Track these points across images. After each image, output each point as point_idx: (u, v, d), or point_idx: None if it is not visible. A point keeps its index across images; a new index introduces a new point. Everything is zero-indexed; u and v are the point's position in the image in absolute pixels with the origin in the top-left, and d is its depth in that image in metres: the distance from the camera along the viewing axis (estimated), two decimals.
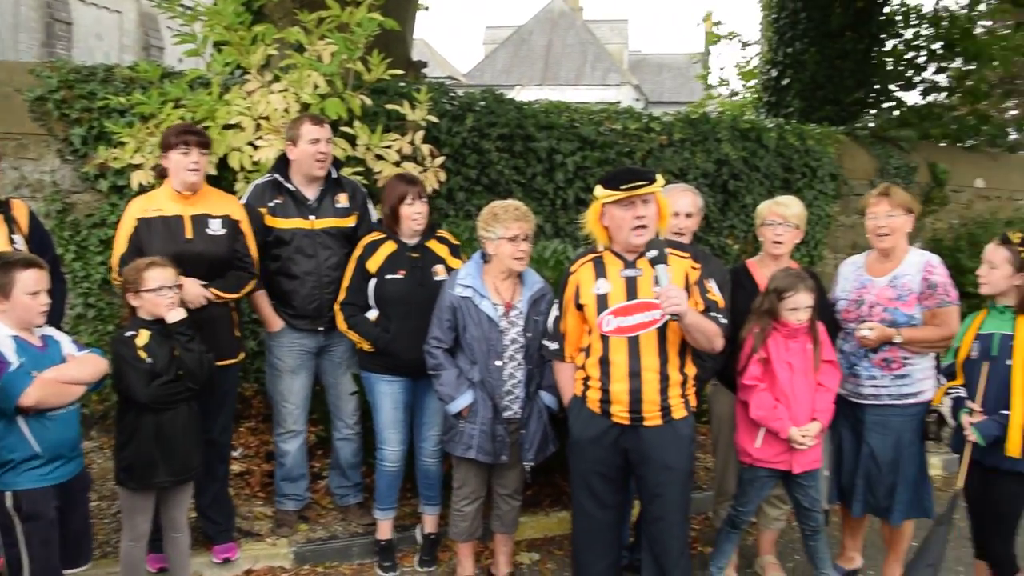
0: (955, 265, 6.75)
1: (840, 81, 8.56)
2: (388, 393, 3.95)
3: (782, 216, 3.86)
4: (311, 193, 4.07)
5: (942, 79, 9.41)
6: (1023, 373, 3.27)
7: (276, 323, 4.10)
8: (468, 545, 3.96)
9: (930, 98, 9.45)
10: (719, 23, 11.36)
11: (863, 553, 4.38)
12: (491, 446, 3.68)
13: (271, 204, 4.02)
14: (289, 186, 4.04)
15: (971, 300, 6.75)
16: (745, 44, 10.42)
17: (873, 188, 4.00)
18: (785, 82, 8.76)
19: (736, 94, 11.27)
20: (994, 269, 3.36)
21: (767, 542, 4.29)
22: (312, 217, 4.04)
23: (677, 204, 3.70)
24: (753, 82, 10.02)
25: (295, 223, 4.02)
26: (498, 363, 3.66)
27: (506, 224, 3.58)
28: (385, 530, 4.18)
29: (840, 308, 3.94)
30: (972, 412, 3.37)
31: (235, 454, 4.89)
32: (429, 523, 4.20)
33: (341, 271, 4.02)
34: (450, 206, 5.21)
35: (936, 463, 5.68)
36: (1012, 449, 3.27)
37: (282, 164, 4.09)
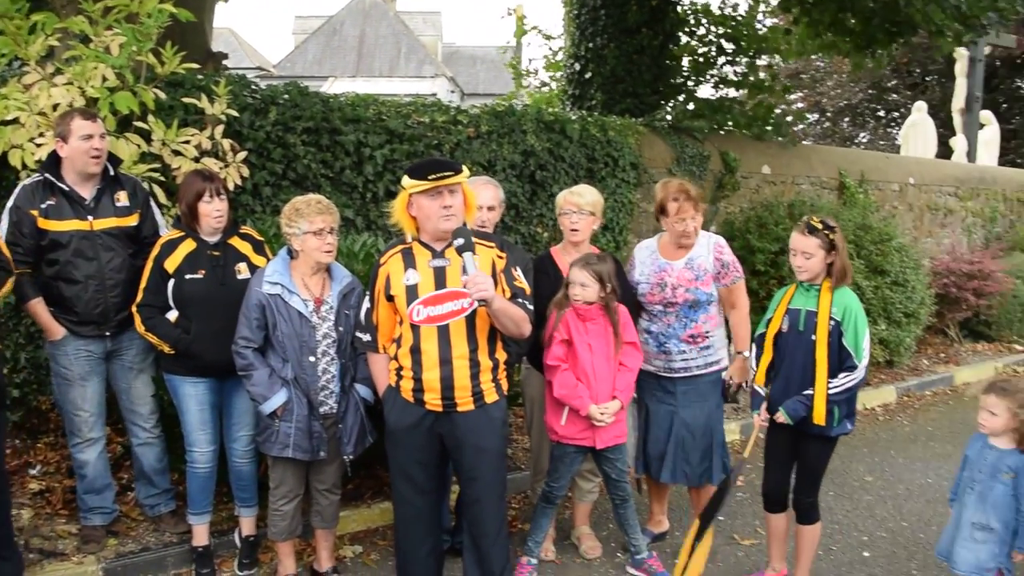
0: (746, 245, 7.33)
1: (638, 75, 8.98)
2: (193, 395, 3.84)
3: (576, 205, 4.05)
4: (87, 192, 3.85)
5: (731, 73, 10.09)
6: (824, 347, 3.58)
7: (57, 331, 3.86)
8: (289, 544, 3.91)
9: (721, 91, 10.09)
10: (525, 17, 11.64)
11: (668, 516, 4.72)
12: (308, 443, 3.65)
13: (44, 206, 3.78)
14: (62, 186, 3.80)
15: (760, 278, 7.36)
16: (549, 37, 10.76)
17: (671, 176, 4.26)
18: (587, 76, 9.10)
19: (545, 86, 11.59)
20: (811, 258, 3.62)
21: (582, 514, 4.52)
22: (90, 218, 3.83)
23: (479, 197, 3.81)
24: (559, 75, 10.34)
25: (72, 224, 3.80)
26: (311, 359, 3.63)
27: (310, 218, 3.56)
28: (201, 536, 4.05)
29: (643, 292, 4.19)
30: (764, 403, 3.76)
31: (34, 472, 4.60)
32: (247, 525, 4.11)
33: (125, 273, 3.86)
34: (256, 202, 5.08)
35: (734, 428, 6.16)
36: (817, 418, 3.61)
37: (52, 163, 3.85)
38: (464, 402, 3.26)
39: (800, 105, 27.95)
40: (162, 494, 4.28)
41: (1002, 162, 17.89)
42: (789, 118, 9.57)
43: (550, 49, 10.96)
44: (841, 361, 3.60)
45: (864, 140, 27.97)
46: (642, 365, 4.22)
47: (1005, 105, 26.16)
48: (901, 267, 7.79)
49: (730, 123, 8.98)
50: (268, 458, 3.81)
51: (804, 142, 25.53)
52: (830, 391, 3.57)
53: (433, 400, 3.26)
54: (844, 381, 3.59)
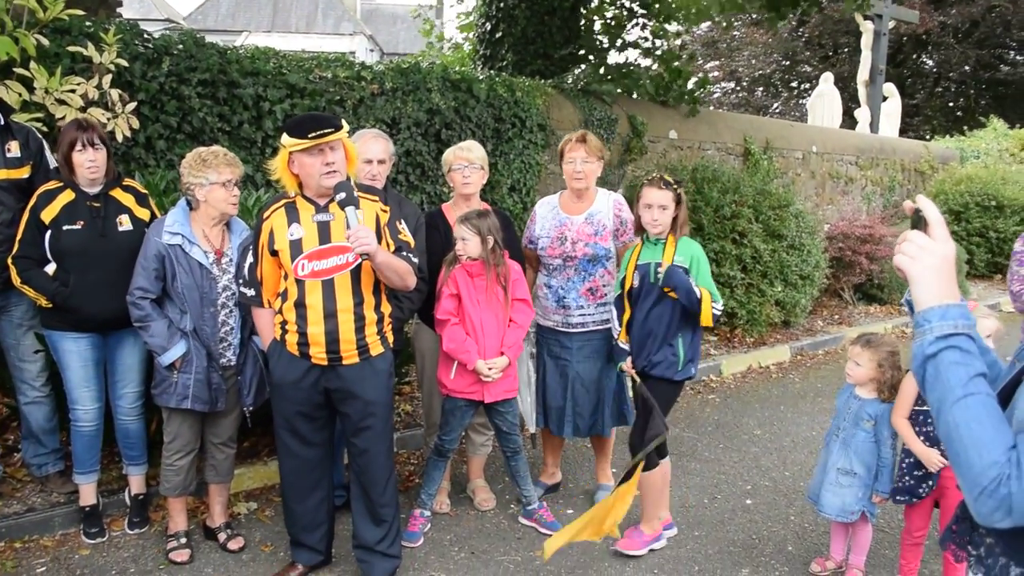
0: None
1: (549, 36, 8.99)
2: (75, 351, 3.75)
3: (467, 159, 4.09)
4: None
5: (640, 39, 10.17)
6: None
7: None
8: (181, 500, 3.89)
9: (630, 55, 10.18)
10: None
11: (561, 468, 4.85)
12: (207, 394, 3.65)
13: None
14: None
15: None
16: None
17: (575, 134, 4.32)
18: (498, 35, 9.06)
19: (458, 47, 11.51)
20: (666, 210, 3.75)
21: (475, 467, 4.61)
22: None
23: (369, 151, 3.81)
24: (471, 35, 10.26)
25: None
26: (212, 311, 3.63)
27: (218, 169, 3.55)
28: (88, 495, 3.99)
29: (544, 246, 4.27)
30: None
31: None
32: (136, 484, 4.07)
33: (15, 228, 3.72)
34: (149, 155, 4.95)
35: None
36: (705, 320, 3.73)
37: None
38: (349, 355, 3.29)
39: (716, 74, 28.44)
40: (50, 454, 4.19)
41: (903, 134, 18.57)
42: (691, 84, 9.65)
43: (463, 10, 10.85)
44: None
45: (777, 110, 28.64)
46: (541, 320, 4.32)
47: (909, 80, 27.10)
48: (798, 232, 8.06)
49: (639, 88, 9.07)
50: (163, 412, 3.78)
51: (719, 110, 26.02)
52: (714, 304, 3.71)
53: (318, 354, 3.27)
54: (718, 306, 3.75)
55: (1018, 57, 25.93)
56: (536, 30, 8.93)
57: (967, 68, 26.10)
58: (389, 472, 3.54)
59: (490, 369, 3.86)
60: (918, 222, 1.46)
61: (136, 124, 4.55)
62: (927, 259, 1.40)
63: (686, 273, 3.72)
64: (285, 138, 3.17)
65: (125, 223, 3.73)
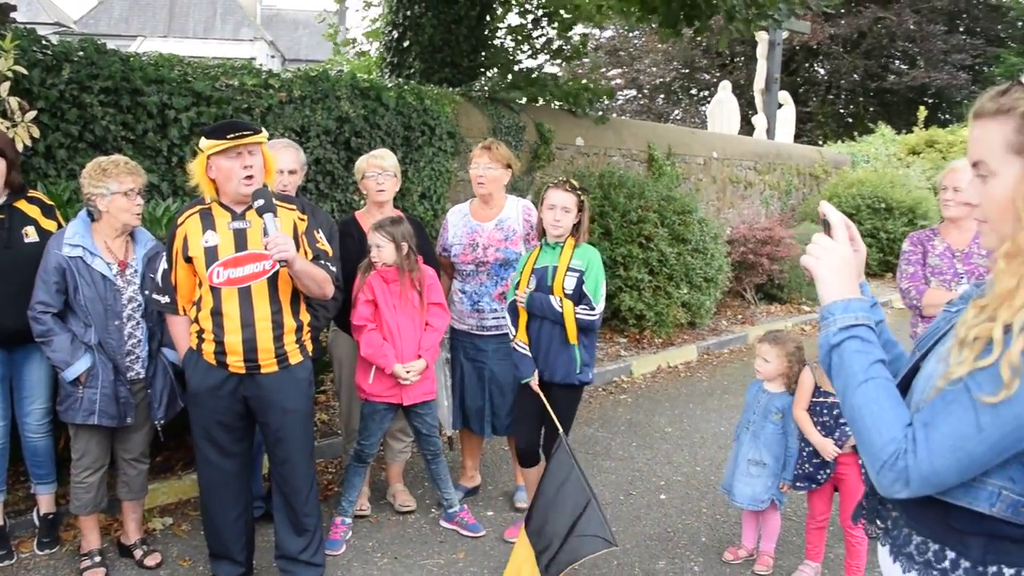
0: None
1: (456, 45, 9.04)
2: None
3: (381, 167, 4.13)
4: None
5: (548, 45, 10.34)
6: (560, 287, 3.78)
7: None
8: (93, 518, 3.79)
9: (537, 62, 10.33)
10: None
11: (480, 470, 4.91)
12: (115, 409, 3.56)
13: None
14: None
15: None
16: (368, 4, 10.62)
17: (482, 142, 4.41)
18: (406, 44, 9.05)
19: (364, 54, 11.46)
20: (568, 213, 3.83)
21: (395, 473, 4.63)
22: None
23: (280, 161, 3.81)
24: (378, 43, 10.24)
25: None
26: (116, 323, 3.54)
27: (119, 178, 3.47)
28: None
29: (456, 253, 4.35)
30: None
31: None
32: (45, 503, 3.95)
33: None
34: (50, 165, 4.79)
35: None
36: (571, 338, 3.80)
37: None
38: (268, 364, 3.28)
39: (618, 81, 29.03)
40: None
41: (798, 140, 19.34)
42: (595, 92, 9.86)
43: (369, 17, 10.83)
44: (581, 303, 3.82)
45: (678, 116, 29.41)
46: (456, 324, 4.38)
47: (803, 88, 28.24)
48: (701, 236, 8.33)
49: (546, 95, 9.22)
50: (70, 428, 3.67)
51: (622, 117, 26.50)
52: (577, 315, 3.76)
53: (236, 362, 3.25)
54: (585, 311, 3.79)
55: (902, 67, 27.30)
56: (443, 38, 8.96)
57: (856, 77, 27.36)
58: (311, 481, 3.54)
59: (408, 372, 3.90)
60: (825, 226, 1.58)
61: (36, 133, 4.41)
62: (830, 259, 1.53)
63: (580, 276, 3.79)
64: (203, 141, 3.16)
65: (31, 235, 3.62)
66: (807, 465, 3.76)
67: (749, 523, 4.09)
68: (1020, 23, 27.65)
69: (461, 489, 4.69)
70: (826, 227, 1.58)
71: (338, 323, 4.26)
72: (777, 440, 3.81)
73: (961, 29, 27.69)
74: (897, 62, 27.64)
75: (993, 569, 1.40)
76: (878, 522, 1.62)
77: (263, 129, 3.23)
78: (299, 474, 3.48)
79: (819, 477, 3.73)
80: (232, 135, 3.11)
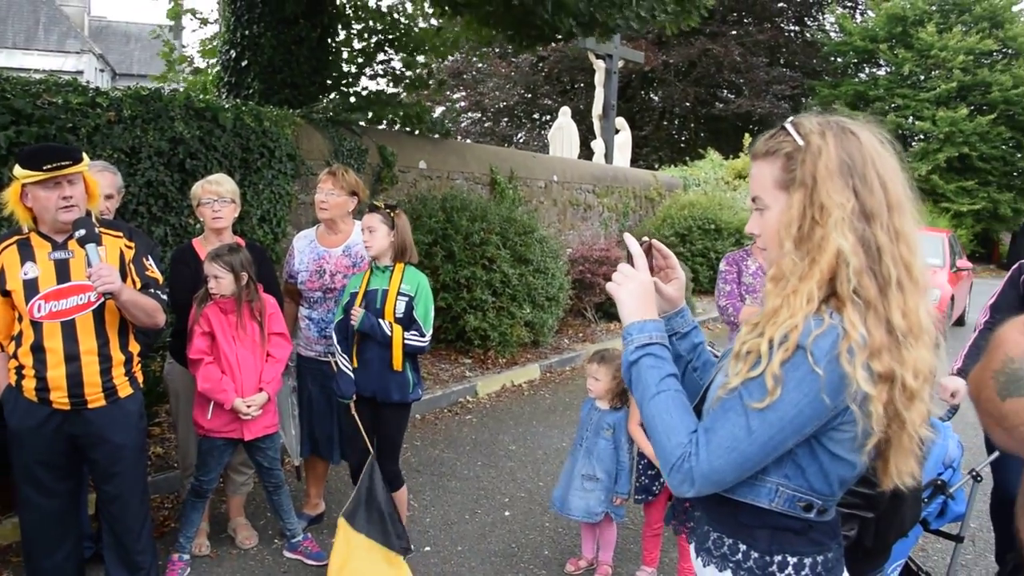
0: None
1: (297, 66, 8.92)
2: None
3: (216, 193, 4.03)
4: None
5: (390, 69, 10.37)
6: (391, 311, 3.83)
7: None
8: None
9: (379, 86, 10.34)
10: None
11: (324, 497, 4.86)
12: None
13: None
14: None
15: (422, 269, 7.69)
16: (205, 22, 10.33)
17: (328, 168, 4.40)
18: (244, 64, 8.84)
19: (200, 71, 11.11)
20: (375, 232, 3.83)
21: (236, 506, 4.50)
22: None
23: None
24: (214, 61, 9.97)
25: None
26: None
27: None
28: None
29: (304, 280, 4.30)
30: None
31: None
32: None
33: None
34: None
35: None
36: (396, 364, 3.84)
37: None
38: (95, 399, 3.15)
39: (463, 104, 29.42)
40: None
41: (634, 164, 20.19)
42: (437, 112, 9.99)
43: (206, 34, 10.55)
44: (411, 329, 3.90)
45: (521, 139, 30.07)
46: (303, 351, 4.33)
47: (639, 114, 29.53)
48: (542, 256, 8.58)
49: (389, 117, 9.25)
50: None
51: (465, 140, 26.79)
52: (405, 340, 3.84)
53: (60, 399, 3.10)
54: (414, 337, 3.87)
55: (730, 95, 29.04)
56: (283, 59, 8.82)
57: (688, 104, 28.87)
58: (144, 517, 3.41)
59: (249, 407, 3.82)
60: (628, 256, 1.72)
61: None
62: (629, 285, 1.67)
63: (410, 301, 3.86)
64: (18, 169, 2.99)
65: None
66: (643, 477, 3.96)
67: (588, 535, 4.25)
68: (832, 58, 30.03)
69: (305, 518, 4.62)
70: (629, 257, 1.72)
71: (174, 355, 4.12)
72: (609, 455, 3.99)
73: (781, 62, 29.83)
74: (725, 91, 29.38)
75: (778, 558, 1.57)
76: (687, 522, 1.78)
77: (84, 156, 3.09)
78: (131, 511, 3.34)
79: (654, 488, 3.94)
80: (48, 166, 2.95)
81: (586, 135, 19.73)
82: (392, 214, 3.87)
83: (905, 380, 1.42)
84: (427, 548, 4.46)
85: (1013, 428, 1.20)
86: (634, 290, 1.67)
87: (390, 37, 10.06)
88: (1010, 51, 27.69)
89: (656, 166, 25.58)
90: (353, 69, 9.81)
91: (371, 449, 3.81)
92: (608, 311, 10.91)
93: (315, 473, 4.71)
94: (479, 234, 8.06)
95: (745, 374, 1.46)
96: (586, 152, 18.49)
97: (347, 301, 3.92)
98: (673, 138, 31.15)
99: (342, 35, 9.80)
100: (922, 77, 28.07)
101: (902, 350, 1.43)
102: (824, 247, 1.45)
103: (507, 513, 4.98)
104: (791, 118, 1.58)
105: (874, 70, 30.32)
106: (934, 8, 28.50)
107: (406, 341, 3.83)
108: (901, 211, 1.48)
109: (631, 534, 4.64)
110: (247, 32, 8.88)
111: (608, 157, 17.15)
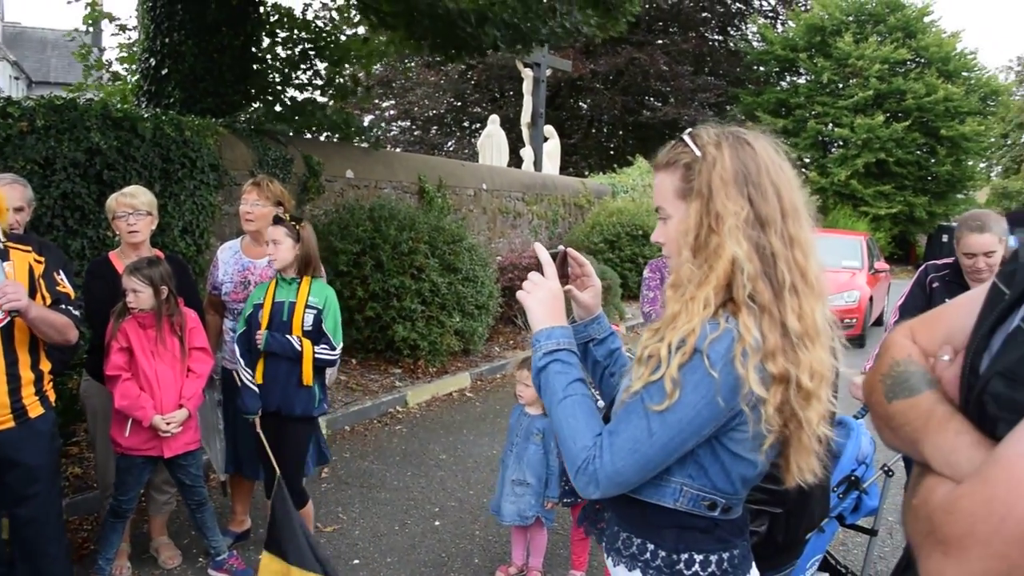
0: (329, 247, 7.58)
1: (220, 75, 8.76)
2: None
3: (131, 206, 3.95)
4: None
5: (316, 78, 10.28)
6: (299, 328, 3.80)
7: None
8: None
9: (305, 95, 10.23)
10: (100, 2, 10.75)
11: (250, 513, 4.79)
12: None
13: None
14: None
15: (344, 278, 7.66)
16: (124, 28, 10.07)
17: (252, 179, 4.34)
18: (164, 72, 8.65)
19: (119, 79, 10.84)
20: (279, 245, 3.81)
21: (158, 526, 4.40)
22: None
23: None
24: (134, 68, 9.73)
25: None
26: None
27: None
28: None
29: (228, 291, 4.23)
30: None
31: None
32: None
33: None
34: None
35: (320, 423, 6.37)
36: (306, 379, 3.82)
37: None
38: (3, 420, 3.04)
39: (392, 112, 29.30)
40: None
41: (564, 172, 20.38)
42: (365, 121, 9.94)
43: (126, 41, 10.25)
44: (319, 342, 3.89)
45: (451, 147, 30.07)
46: (228, 364, 4.25)
47: (568, 122, 29.79)
48: (471, 265, 8.60)
49: (315, 127, 9.16)
50: None
51: (394, 149, 26.70)
52: (316, 355, 3.83)
53: None
54: (324, 351, 3.86)
55: (656, 103, 29.50)
56: (205, 67, 8.66)
57: (616, 112, 29.24)
58: (59, 540, 3.32)
59: (168, 424, 3.74)
60: (538, 265, 1.75)
61: None
62: (538, 293, 1.71)
63: (318, 314, 3.84)
64: None
65: None
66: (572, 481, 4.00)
67: (518, 540, 4.28)
68: (755, 66, 30.78)
69: (231, 535, 4.54)
70: (539, 265, 1.75)
71: (91, 371, 4.01)
72: (539, 460, 4.02)
73: (706, 71, 30.43)
74: (651, 99, 29.85)
75: (685, 556, 1.61)
76: (599, 524, 1.81)
77: None
78: (45, 534, 3.24)
79: None
80: None
81: (515, 143, 19.81)
82: (297, 227, 3.86)
83: (800, 381, 1.47)
84: (356, 561, 4.43)
85: (898, 428, 1.26)
86: (543, 298, 1.70)
87: (316, 46, 9.98)
88: (923, 60, 28.75)
89: (585, 173, 25.85)
90: (278, 78, 9.69)
91: (276, 468, 3.73)
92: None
93: (240, 489, 4.63)
94: (408, 243, 8.04)
95: (646, 378, 1.50)
96: (515, 160, 18.57)
97: (250, 312, 3.88)
98: (602, 145, 31.50)
99: (266, 43, 9.68)
100: (840, 85, 28.97)
101: (797, 352, 1.48)
102: (720, 254, 1.50)
103: (437, 523, 4.97)
104: (689, 130, 1.63)
105: (795, 78, 31.17)
106: (851, 19, 29.47)
107: (317, 355, 3.82)
108: (795, 217, 1.54)
109: (561, 539, 4.68)
110: (167, 40, 8.70)
111: (537, 165, 17.26)
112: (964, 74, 29.21)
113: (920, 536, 1.08)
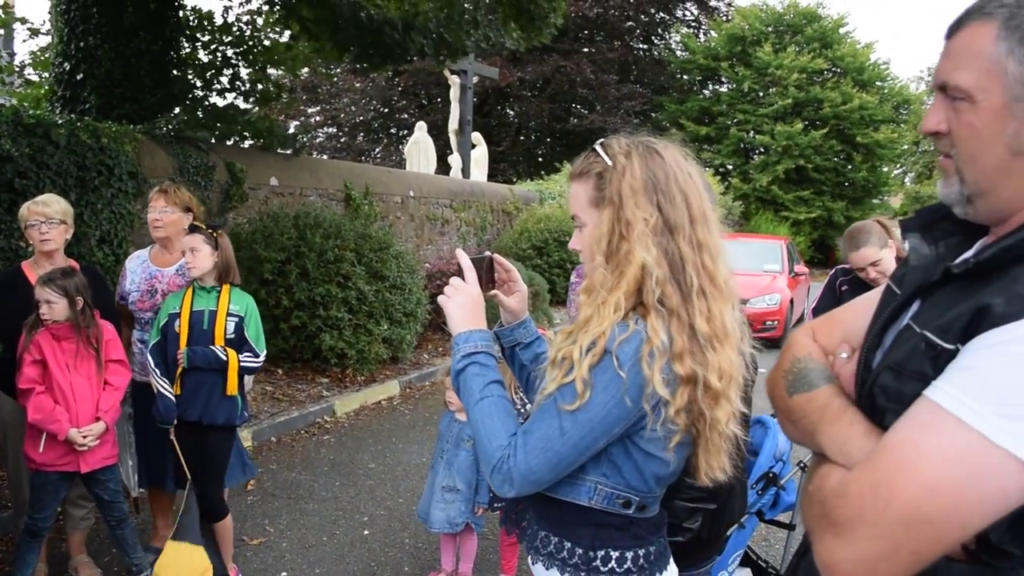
0: (253, 255, 7.48)
1: (138, 80, 8.55)
2: None
3: (43, 215, 3.85)
4: None
5: (239, 83, 10.11)
6: (222, 336, 3.79)
7: None
8: None
9: (228, 100, 10.08)
10: (12, 5, 10.40)
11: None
12: None
13: None
14: None
15: (269, 287, 7.55)
16: (36, 32, 9.77)
17: (159, 186, 4.27)
18: (79, 77, 8.40)
19: (32, 84, 10.51)
20: (197, 253, 3.77)
21: (76, 543, 4.28)
22: None
23: None
24: (47, 74, 9.45)
25: None
26: None
27: None
28: None
29: (134, 300, 4.15)
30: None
31: None
32: None
33: None
34: None
35: (246, 435, 6.28)
36: (230, 389, 3.80)
37: None
38: None
39: (318, 119, 28.98)
40: None
41: (492, 178, 20.45)
42: (292, 130, 9.83)
43: (38, 45, 9.96)
44: (242, 350, 3.88)
45: (379, 154, 29.90)
46: (138, 376, 4.16)
47: (496, 129, 29.90)
48: (399, 272, 8.57)
49: (238, 134, 9.02)
50: None
51: (321, 155, 26.44)
52: (241, 363, 3.81)
53: None
54: (248, 358, 3.85)
55: (583, 111, 29.82)
56: (122, 72, 8.43)
57: (544, 119, 29.46)
58: None
59: (85, 437, 3.64)
60: (459, 270, 1.79)
61: None
62: (458, 297, 1.76)
63: (240, 321, 3.83)
64: None
65: None
66: None
67: (447, 547, 4.28)
68: (678, 75, 31.40)
69: (153, 551, 4.41)
70: (460, 271, 1.78)
71: (2, 386, 3.88)
72: (469, 466, 4.04)
73: (632, 79, 30.90)
74: (578, 106, 30.16)
75: (601, 553, 1.66)
76: (521, 524, 1.85)
77: None
78: None
79: None
80: None
81: (443, 150, 19.83)
82: (215, 234, 3.83)
83: (708, 381, 1.53)
84: (283, 573, 4.38)
85: (798, 420, 1.33)
86: (462, 302, 1.74)
87: (238, 51, 9.83)
88: (839, 70, 29.75)
89: (514, 180, 26.01)
90: (200, 83, 9.51)
91: (188, 476, 3.71)
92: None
93: (160, 503, 4.53)
94: (333, 251, 7.98)
95: (560, 380, 1.55)
96: (443, 167, 18.58)
97: (164, 322, 3.83)
98: (530, 152, 31.68)
99: (187, 48, 9.50)
100: (761, 94, 29.77)
101: (705, 353, 1.54)
102: (630, 260, 1.55)
103: (366, 532, 4.94)
104: (601, 140, 1.69)
105: (717, 87, 31.90)
106: (770, 29, 30.32)
107: (242, 364, 3.80)
108: (704, 223, 1.60)
109: (490, 544, 4.70)
110: (82, 44, 8.46)
111: (465, 172, 17.29)
112: (878, 84, 30.33)
113: (815, 520, 1.14)
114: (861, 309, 1.42)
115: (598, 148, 1.66)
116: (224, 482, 4.06)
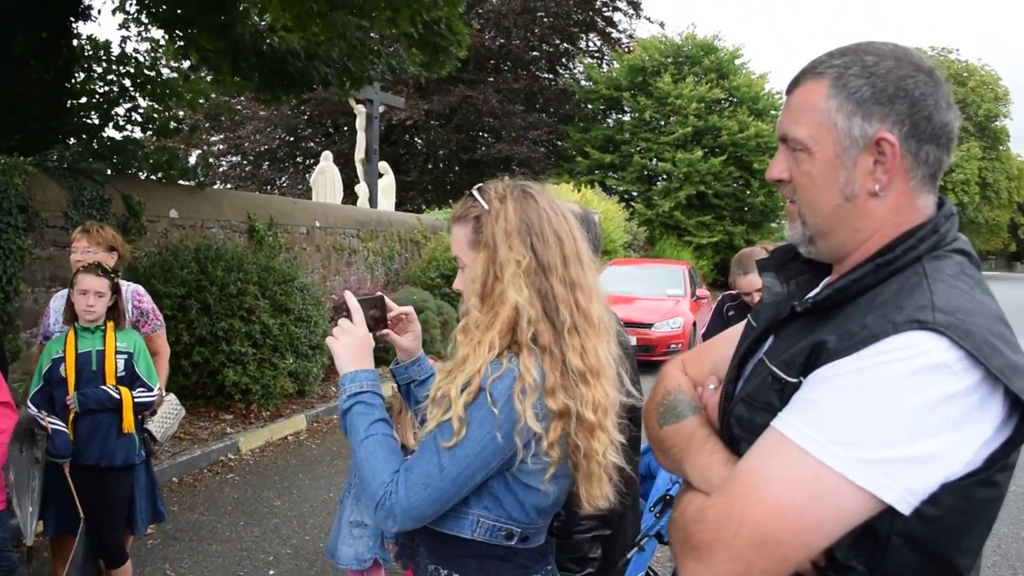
0: (152, 291, 7.25)
1: (29, 110, 8.30)
2: None
3: None
4: None
5: (136, 115, 9.90)
6: (113, 376, 3.76)
7: None
8: None
9: (125, 132, 9.84)
10: None
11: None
12: None
13: None
14: None
15: (169, 323, 7.36)
16: None
17: (68, 220, 4.18)
18: None
19: None
20: (102, 297, 3.77)
21: None
22: None
23: None
24: None
25: None
26: None
27: None
28: None
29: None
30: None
31: None
32: None
33: None
34: None
35: None
36: (127, 427, 3.76)
37: None
38: None
39: (221, 147, 28.43)
40: None
41: (401, 208, 20.42)
42: (194, 160, 9.67)
43: None
44: (134, 387, 3.85)
45: (285, 183, 29.50)
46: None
47: (404, 158, 29.89)
48: (304, 304, 8.48)
49: (135, 166, 8.81)
50: None
51: (225, 185, 25.93)
52: (135, 399, 3.78)
53: None
54: (142, 394, 3.83)
55: (490, 140, 30.09)
56: (12, 102, 8.18)
57: (451, 148, 29.60)
58: None
59: None
60: (344, 311, 1.83)
61: None
62: (345, 339, 1.79)
63: (129, 358, 3.80)
64: None
65: None
66: None
67: None
68: (583, 104, 32.04)
69: None
70: (346, 312, 1.82)
71: None
72: None
73: (537, 107, 31.35)
74: (485, 135, 30.43)
75: None
76: (416, 559, 1.89)
77: None
78: None
79: None
80: None
81: (350, 179, 19.71)
82: (116, 279, 3.84)
83: (582, 415, 1.60)
84: None
85: (667, 450, 1.42)
86: (349, 343, 1.78)
87: (135, 82, 9.63)
88: (735, 99, 30.84)
89: (422, 209, 25.98)
90: (96, 115, 9.27)
91: (82, 516, 3.63)
92: (377, 356, 10.91)
93: (61, 551, 4.34)
94: (236, 284, 7.84)
95: (439, 417, 1.60)
96: (350, 196, 18.47)
97: (47, 368, 3.76)
98: (438, 181, 31.72)
99: (82, 78, 9.26)
100: (662, 122, 30.61)
101: (579, 387, 1.61)
102: (504, 300, 1.62)
103: (272, 572, 4.86)
104: (479, 185, 1.75)
105: (620, 116, 32.65)
106: (669, 60, 31.25)
107: (136, 400, 3.77)
108: (577, 263, 1.68)
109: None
110: None
111: (372, 201, 17.23)
112: (772, 112, 31.54)
113: (678, 545, 1.23)
114: (728, 341, 1.52)
115: (475, 193, 1.73)
116: (125, 526, 3.95)
